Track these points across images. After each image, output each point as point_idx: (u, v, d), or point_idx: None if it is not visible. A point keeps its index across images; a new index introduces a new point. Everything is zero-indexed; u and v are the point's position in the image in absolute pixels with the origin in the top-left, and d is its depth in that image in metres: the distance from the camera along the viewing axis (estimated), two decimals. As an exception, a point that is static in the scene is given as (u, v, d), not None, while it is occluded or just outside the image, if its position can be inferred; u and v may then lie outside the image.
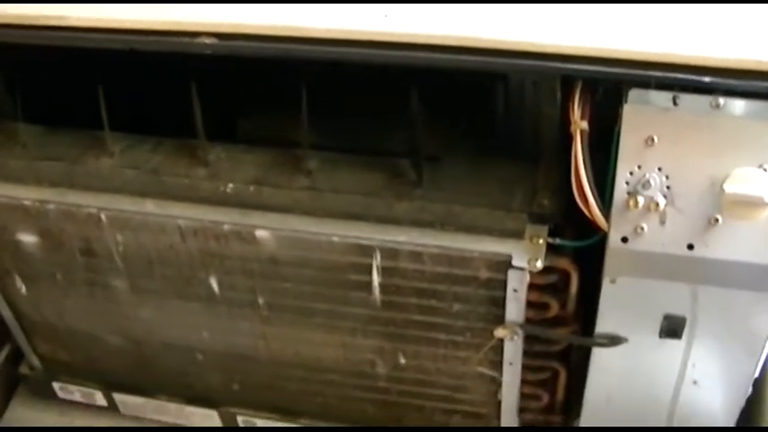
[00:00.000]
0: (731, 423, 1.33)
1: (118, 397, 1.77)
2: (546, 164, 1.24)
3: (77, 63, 1.31)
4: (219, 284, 1.42)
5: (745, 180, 1.02)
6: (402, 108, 1.22)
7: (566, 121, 1.13)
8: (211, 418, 1.72)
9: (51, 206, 1.39)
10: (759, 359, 1.21)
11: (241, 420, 1.69)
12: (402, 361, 1.44)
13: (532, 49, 1.03)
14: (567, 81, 1.13)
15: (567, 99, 1.13)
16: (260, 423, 1.69)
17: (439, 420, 1.55)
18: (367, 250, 1.27)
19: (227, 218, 1.31)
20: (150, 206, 1.34)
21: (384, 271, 1.29)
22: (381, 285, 1.31)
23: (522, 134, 1.31)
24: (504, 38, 1.03)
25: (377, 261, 1.28)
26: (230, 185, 1.30)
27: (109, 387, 1.77)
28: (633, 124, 1.05)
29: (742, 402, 1.29)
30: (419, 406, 1.54)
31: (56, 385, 1.81)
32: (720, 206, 1.05)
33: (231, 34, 1.13)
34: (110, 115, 1.36)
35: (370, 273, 1.30)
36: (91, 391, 1.78)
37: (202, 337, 1.54)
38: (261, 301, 1.42)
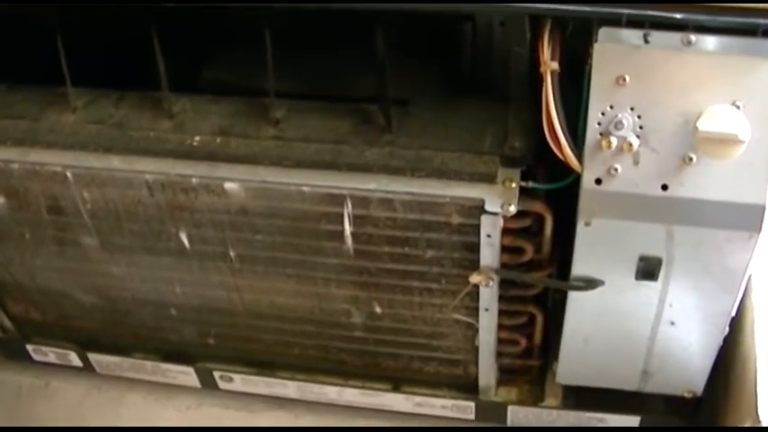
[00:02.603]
0: (709, 362, 1.33)
1: (93, 356, 1.76)
2: (517, 106, 1.22)
3: (36, 17, 1.28)
4: (190, 238, 1.40)
5: (718, 117, 1.01)
6: (369, 52, 1.20)
7: (536, 62, 1.12)
8: (188, 374, 1.71)
9: (15, 165, 1.36)
10: (735, 298, 1.21)
11: (218, 375, 1.68)
12: (377, 310, 1.44)
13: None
14: (536, 21, 1.11)
15: (537, 39, 1.11)
16: (236, 377, 1.67)
17: (416, 367, 1.55)
18: (337, 199, 1.26)
19: (194, 171, 1.29)
20: (116, 161, 1.31)
21: (355, 219, 1.28)
22: (353, 234, 1.30)
23: (492, 76, 1.30)
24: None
25: (348, 209, 1.26)
26: (197, 138, 1.28)
27: (83, 347, 1.75)
28: (604, 63, 1.04)
29: (719, 341, 1.29)
30: (396, 354, 1.54)
31: (29, 347, 1.79)
32: (694, 145, 1.04)
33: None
34: (71, 69, 1.33)
35: (341, 222, 1.28)
36: (65, 351, 1.77)
37: (175, 291, 1.53)
38: (232, 253, 1.40)
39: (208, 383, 1.72)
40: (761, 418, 1.22)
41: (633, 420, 1.49)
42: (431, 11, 1.05)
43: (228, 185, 1.29)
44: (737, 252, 1.13)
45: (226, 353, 1.67)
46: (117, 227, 1.42)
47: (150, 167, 1.31)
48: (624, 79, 1.03)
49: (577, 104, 1.09)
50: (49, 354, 1.79)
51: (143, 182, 1.32)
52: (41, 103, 1.39)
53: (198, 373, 1.71)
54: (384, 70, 1.20)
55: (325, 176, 1.24)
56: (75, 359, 1.78)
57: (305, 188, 1.26)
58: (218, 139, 1.28)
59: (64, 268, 1.56)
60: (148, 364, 1.73)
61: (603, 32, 1.02)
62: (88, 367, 1.79)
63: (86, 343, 1.75)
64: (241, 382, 1.69)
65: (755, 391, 1.25)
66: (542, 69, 1.10)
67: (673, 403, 1.44)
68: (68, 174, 1.35)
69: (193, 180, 1.30)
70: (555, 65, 1.09)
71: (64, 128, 1.34)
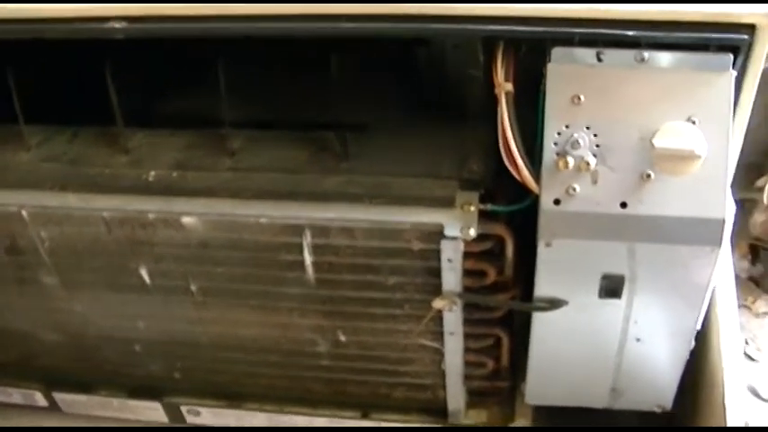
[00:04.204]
0: (677, 376, 1.32)
1: (58, 396, 1.74)
2: (474, 128, 1.22)
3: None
4: (150, 273, 1.38)
5: (674, 134, 1.01)
6: (324, 79, 1.19)
7: (491, 84, 1.11)
8: (155, 409, 1.69)
9: (-30, 206, 1.34)
10: (700, 312, 1.20)
11: (185, 410, 1.67)
12: (342, 338, 1.42)
13: (449, 12, 1.01)
14: (489, 43, 1.10)
15: (491, 61, 1.10)
16: (204, 411, 1.66)
17: (384, 393, 1.53)
18: (296, 229, 1.24)
19: (151, 206, 1.27)
20: (72, 199, 1.29)
21: (315, 249, 1.27)
22: (314, 264, 1.29)
23: (449, 99, 1.30)
24: (420, 2, 1.01)
25: (307, 239, 1.25)
26: (152, 173, 1.27)
27: (48, 386, 1.73)
28: (558, 83, 1.04)
29: (686, 355, 1.28)
30: (363, 381, 1.52)
31: (-7, 389, 1.77)
32: (652, 162, 1.04)
33: (141, 17, 1.10)
34: (24, 107, 1.32)
35: (301, 252, 1.27)
36: (30, 391, 1.74)
37: (138, 327, 1.51)
38: (194, 287, 1.39)
39: (175, 418, 1.70)
40: (730, 429, 1.22)
41: (604, 438, 1.48)
42: (382, 34, 1.04)
43: (186, 219, 1.27)
44: (700, 267, 1.12)
45: (193, 386, 1.65)
46: (77, 264, 1.40)
47: (107, 204, 1.29)
48: (579, 98, 1.03)
49: (534, 125, 1.08)
50: (14, 394, 1.77)
51: (100, 219, 1.30)
52: (-5, 141, 1.37)
53: (165, 408, 1.69)
54: (339, 98, 1.19)
55: (283, 207, 1.23)
56: (40, 399, 1.76)
57: (263, 219, 1.24)
58: (175, 173, 1.26)
59: (25, 307, 1.53)
60: (115, 401, 1.71)
61: (557, 52, 1.02)
62: (54, 407, 1.76)
63: (51, 382, 1.73)
64: (209, 415, 1.68)
65: (723, 404, 1.24)
66: (497, 91, 1.10)
67: (644, 418, 1.43)
68: (24, 213, 1.33)
69: (150, 215, 1.28)
70: (509, 86, 1.09)
71: (19, 166, 1.33)
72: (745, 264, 1.85)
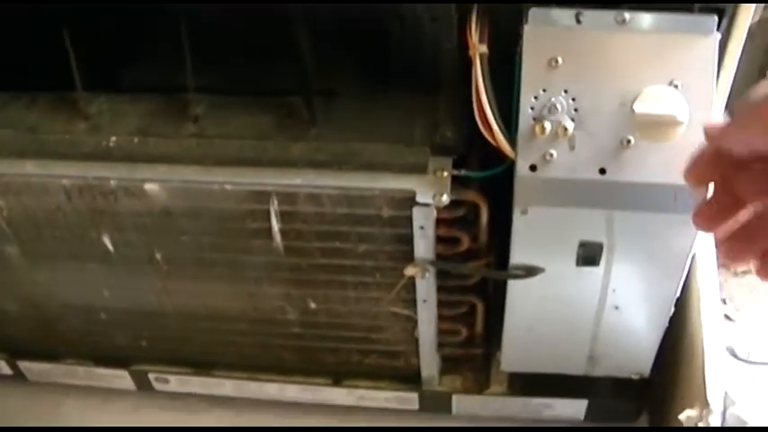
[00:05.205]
0: (655, 344, 1.30)
1: (23, 364, 1.71)
2: (447, 93, 1.17)
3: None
4: (113, 242, 1.34)
5: (655, 99, 0.97)
6: (291, 43, 1.15)
7: (465, 47, 1.07)
8: (122, 377, 1.66)
9: (-75, 175, 1.30)
10: (680, 280, 1.18)
11: (153, 377, 1.64)
12: (312, 306, 1.40)
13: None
14: (463, 3, 1.07)
15: (465, 23, 1.07)
16: (172, 378, 1.63)
17: (356, 360, 1.51)
18: (263, 196, 1.21)
19: (112, 173, 1.23)
20: (30, 167, 1.25)
21: (283, 216, 1.23)
22: (282, 231, 1.25)
23: (420, 63, 1.25)
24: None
25: (274, 206, 1.21)
26: (113, 138, 1.22)
27: (13, 355, 1.70)
28: (535, 45, 1.00)
29: (665, 323, 1.26)
30: (335, 349, 1.50)
31: (-44, 358, 1.73)
32: (632, 127, 1.00)
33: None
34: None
35: (268, 219, 1.24)
36: (-6, 360, 1.71)
37: (103, 296, 1.47)
38: (158, 255, 1.35)
39: (143, 385, 1.68)
40: (708, 398, 1.20)
41: (581, 404, 1.46)
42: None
43: (149, 186, 1.23)
44: (680, 235, 1.09)
45: (160, 354, 1.62)
46: (37, 234, 1.36)
47: (66, 171, 1.25)
48: (557, 61, 1.00)
49: (509, 90, 1.04)
50: (-22, 364, 1.74)
51: (60, 187, 1.26)
52: (-53, 110, 1.33)
53: (132, 375, 1.66)
54: (307, 61, 1.16)
55: (249, 173, 1.19)
56: (5, 368, 1.73)
57: (228, 186, 1.20)
58: (136, 139, 1.22)
59: (-15, 277, 1.50)
60: (81, 369, 1.68)
61: (534, 13, 0.99)
62: (19, 376, 1.73)
63: (16, 351, 1.70)
64: (177, 382, 1.65)
65: (703, 372, 1.23)
66: (471, 53, 1.06)
67: (620, 386, 1.41)
68: (-20, 181, 1.29)
69: (112, 182, 1.24)
70: (484, 48, 1.05)
71: (-26, 135, 1.29)
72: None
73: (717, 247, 0.76)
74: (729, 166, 0.72)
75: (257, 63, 1.30)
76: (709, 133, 0.73)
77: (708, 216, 0.76)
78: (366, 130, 1.19)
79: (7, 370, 1.73)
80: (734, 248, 0.74)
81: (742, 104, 0.67)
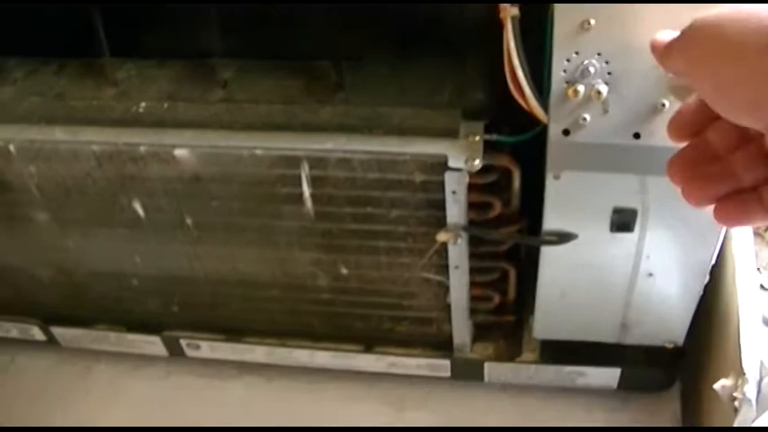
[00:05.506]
0: (689, 312, 1.29)
1: (56, 330, 1.71)
2: (478, 57, 1.16)
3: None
4: (144, 208, 1.35)
5: (690, 61, 0.95)
6: (318, 7, 1.14)
7: (495, 9, 1.05)
8: (154, 343, 1.67)
9: (-44, 142, 1.30)
10: (714, 247, 1.16)
11: (185, 343, 1.64)
12: (344, 271, 1.39)
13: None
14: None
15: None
16: (203, 344, 1.63)
17: (387, 327, 1.51)
18: (293, 161, 1.20)
19: (142, 139, 1.23)
20: (59, 133, 1.25)
21: (314, 181, 1.22)
22: (313, 196, 1.25)
23: (448, 27, 1.23)
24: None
25: (305, 171, 1.21)
26: (142, 104, 1.22)
27: (46, 321, 1.71)
28: (566, 7, 0.97)
29: (700, 291, 1.25)
30: (366, 315, 1.50)
31: (-9, 324, 1.74)
32: (666, 91, 0.98)
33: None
34: (7, 40, 1.28)
35: (299, 184, 1.23)
36: (27, 326, 1.72)
37: (134, 262, 1.48)
38: (189, 221, 1.35)
39: (175, 351, 1.68)
40: (744, 367, 1.18)
41: (614, 373, 1.45)
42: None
43: (178, 152, 1.23)
44: (714, 201, 1.08)
45: (192, 320, 1.63)
46: (67, 200, 1.37)
47: (96, 137, 1.25)
48: (589, 23, 0.97)
49: (541, 53, 1.02)
50: (12, 329, 1.75)
51: (90, 153, 1.26)
52: (-22, 76, 1.33)
53: (164, 341, 1.66)
54: (335, 25, 1.14)
55: (279, 138, 1.19)
56: (38, 333, 1.73)
57: (258, 151, 1.20)
58: (165, 105, 1.22)
59: (18, 244, 1.51)
60: (113, 335, 1.68)
61: (565, -26, 0.96)
62: (52, 341, 1.74)
63: (49, 317, 1.70)
64: (209, 349, 1.65)
65: (738, 341, 1.21)
66: (502, 15, 1.03)
67: (653, 354, 1.40)
68: (11, 148, 1.29)
69: (141, 148, 1.24)
70: (515, 10, 1.02)
71: (3, 101, 1.29)
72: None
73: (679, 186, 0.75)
74: (707, 120, 0.72)
75: (283, 28, 1.29)
76: (654, 46, 0.75)
77: (679, 166, 0.75)
78: (394, 94, 1.18)
79: (40, 335, 1.73)
80: (693, 188, 0.74)
81: (692, 25, 0.67)
